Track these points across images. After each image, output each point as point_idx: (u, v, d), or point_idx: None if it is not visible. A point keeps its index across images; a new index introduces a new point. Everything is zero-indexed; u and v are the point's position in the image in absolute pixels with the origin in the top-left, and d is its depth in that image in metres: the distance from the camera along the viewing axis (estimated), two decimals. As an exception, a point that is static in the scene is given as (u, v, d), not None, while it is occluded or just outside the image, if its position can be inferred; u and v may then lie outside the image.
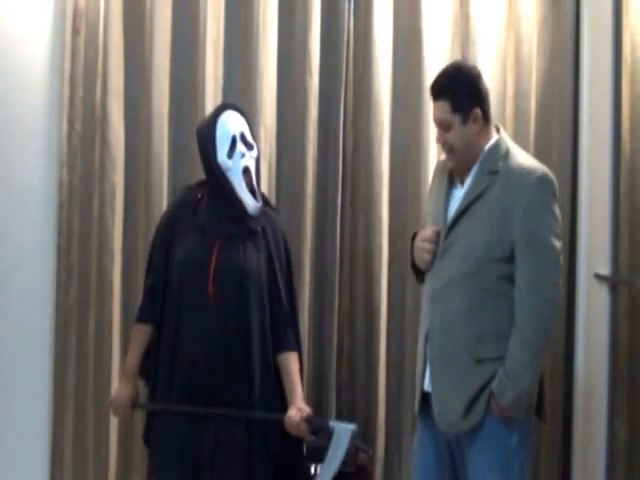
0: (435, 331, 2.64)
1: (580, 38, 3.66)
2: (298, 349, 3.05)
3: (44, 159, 3.42)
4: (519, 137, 3.67)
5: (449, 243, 2.62)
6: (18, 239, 3.37)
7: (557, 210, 2.60)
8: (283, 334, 3.00)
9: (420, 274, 2.80)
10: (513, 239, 2.54)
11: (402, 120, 3.65)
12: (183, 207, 3.05)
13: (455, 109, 2.59)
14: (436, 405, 2.62)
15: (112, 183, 3.44)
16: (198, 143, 3.04)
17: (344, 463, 3.08)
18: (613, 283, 3.38)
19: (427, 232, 2.69)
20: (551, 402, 3.65)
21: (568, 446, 3.66)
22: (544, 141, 3.68)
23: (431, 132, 3.58)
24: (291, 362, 2.99)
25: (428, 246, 2.67)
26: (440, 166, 2.83)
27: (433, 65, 3.62)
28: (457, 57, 3.66)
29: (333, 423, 2.98)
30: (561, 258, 2.59)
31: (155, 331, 3.01)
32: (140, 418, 3.22)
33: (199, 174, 3.24)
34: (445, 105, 2.60)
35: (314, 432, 2.98)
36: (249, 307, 2.92)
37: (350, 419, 3.57)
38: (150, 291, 3.04)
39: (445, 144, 2.65)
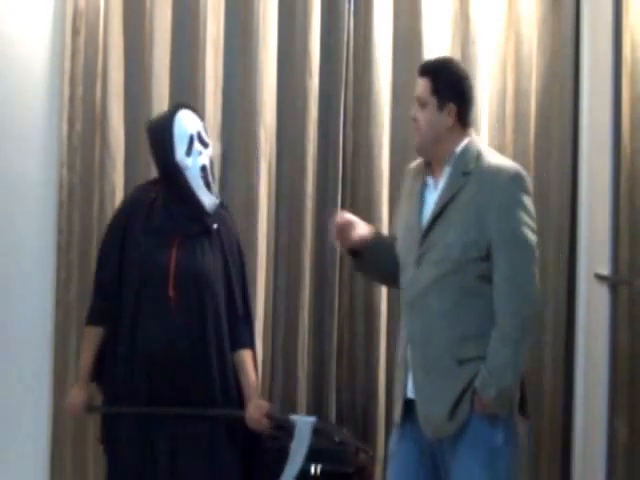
0: (416, 338, 2.63)
1: (580, 38, 3.66)
2: (251, 346, 3.06)
3: (44, 158, 3.43)
4: (519, 137, 3.69)
5: (425, 248, 2.61)
6: (18, 238, 3.37)
7: (531, 205, 2.60)
8: (237, 332, 3.01)
9: (356, 259, 2.79)
10: (489, 238, 2.54)
11: (402, 120, 3.64)
12: (136, 206, 3.02)
13: (434, 91, 2.63)
14: (421, 411, 2.60)
15: (112, 183, 3.44)
16: (152, 142, 3.01)
17: (343, 460, 3.10)
18: (613, 283, 3.37)
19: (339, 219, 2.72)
20: (551, 402, 3.67)
21: (568, 446, 3.66)
22: (544, 141, 3.68)
23: (431, 132, 3.60)
24: (246, 359, 3.00)
25: (331, 227, 2.72)
26: (411, 172, 2.84)
27: (433, 65, 3.63)
28: (457, 57, 3.66)
29: (294, 417, 3.00)
30: (537, 252, 2.57)
31: (107, 332, 2.98)
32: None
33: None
34: (427, 83, 2.64)
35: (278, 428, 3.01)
36: (208, 307, 2.93)
37: (350, 419, 3.59)
38: (101, 290, 3.00)
39: (416, 121, 2.68)
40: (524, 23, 3.70)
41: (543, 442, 3.65)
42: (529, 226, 2.55)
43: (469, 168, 2.61)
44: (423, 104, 2.65)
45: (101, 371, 3.00)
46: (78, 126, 3.45)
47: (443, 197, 2.61)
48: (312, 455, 3.21)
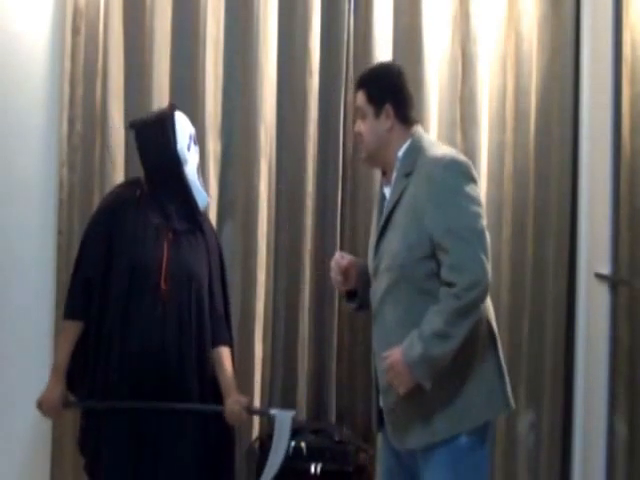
0: (379, 347, 2.61)
1: (580, 37, 3.66)
2: (230, 343, 3.08)
3: (44, 158, 3.43)
4: (519, 135, 3.68)
5: (378, 259, 2.61)
6: (18, 238, 3.38)
7: (471, 189, 2.49)
8: (217, 329, 3.03)
9: (351, 299, 2.83)
10: (430, 235, 2.46)
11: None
12: (122, 202, 3.00)
13: (369, 100, 2.65)
14: (388, 419, 2.59)
15: (112, 183, 3.44)
16: (151, 133, 2.98)
17: (343, 460, 3.10)
18: (613, 283, 3.37)
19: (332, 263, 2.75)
20: (551, 401, 3.67)
21: (568, 445, 3.66)
22: (544, 139, 3.68)
23: (431, 132, 3.59)
24: (225, 355, 3.02)
25: (333, 275, 2.73)
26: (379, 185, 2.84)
27: (433, 65, 3.62)
28: (457, 56, 3.68)
29: (273, 411, 2.99)
30: (486, 236, 2.45)
31: (86, 328, 2.96)
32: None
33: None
34: (362, 95, 2.67)
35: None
36: (194, 302, 2.95)
37: (350, 419, 3.60)
38: (85, 286, 2.95)
39: (359, 134, 2.69)
40: (524, 21, 3.69)
41: (543, 442, 3.65)
42: (470, 212, 2.45)
43: (410, 168, 2.56)
44: (363, 116, 2.67)
45: (72, 373, 2.97)
46: (78, 126, 3.45)
47: (389, 204, 2.59)
48: (312, 454, 3.22)
